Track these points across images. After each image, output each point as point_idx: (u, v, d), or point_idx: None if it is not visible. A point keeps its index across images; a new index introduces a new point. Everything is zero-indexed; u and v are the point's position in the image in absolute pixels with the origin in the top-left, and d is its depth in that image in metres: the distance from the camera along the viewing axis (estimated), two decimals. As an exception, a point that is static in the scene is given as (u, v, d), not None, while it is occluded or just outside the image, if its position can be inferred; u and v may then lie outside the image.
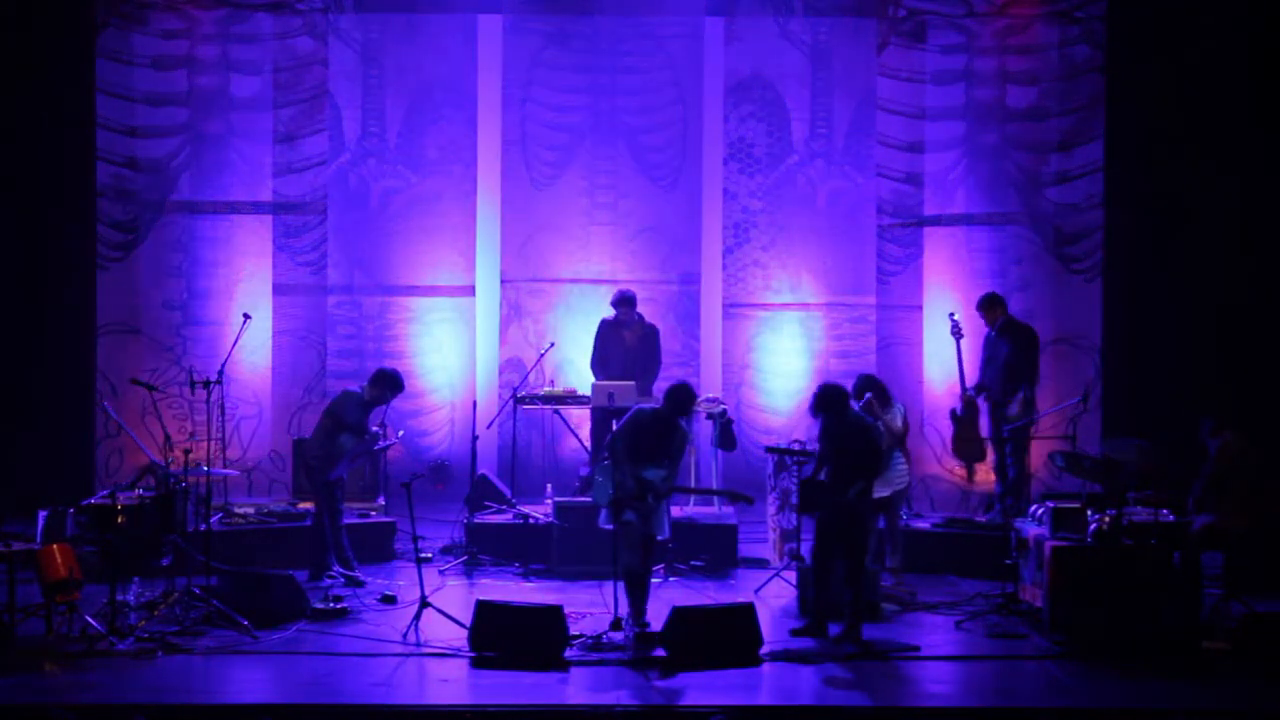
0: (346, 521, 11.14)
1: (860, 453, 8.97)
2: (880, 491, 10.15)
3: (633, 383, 11.44)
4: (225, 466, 11.26)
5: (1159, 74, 12.19)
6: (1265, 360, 11.93)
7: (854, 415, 9.18)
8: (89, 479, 12.34)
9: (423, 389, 13.16)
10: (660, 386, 10.99)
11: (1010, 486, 10.96)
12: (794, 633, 8.96)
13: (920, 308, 13.11)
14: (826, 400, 9.07)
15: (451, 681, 8.08)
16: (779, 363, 13.42)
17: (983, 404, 11.23)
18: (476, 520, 11.15)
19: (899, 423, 10.22)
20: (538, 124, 13.41)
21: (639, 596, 8.90)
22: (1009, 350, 11.06)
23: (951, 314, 11.47)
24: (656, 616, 8.80)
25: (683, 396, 9.13)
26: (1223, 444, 9.34)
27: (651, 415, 9.15)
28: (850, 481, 8.89)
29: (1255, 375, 11.91)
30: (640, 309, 13.02)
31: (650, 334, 11.92)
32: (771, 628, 8.90)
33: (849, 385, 9.84)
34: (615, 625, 8.75)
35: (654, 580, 10.38)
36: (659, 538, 9.15)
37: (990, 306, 11.26)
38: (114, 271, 12.83)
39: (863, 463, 8.97)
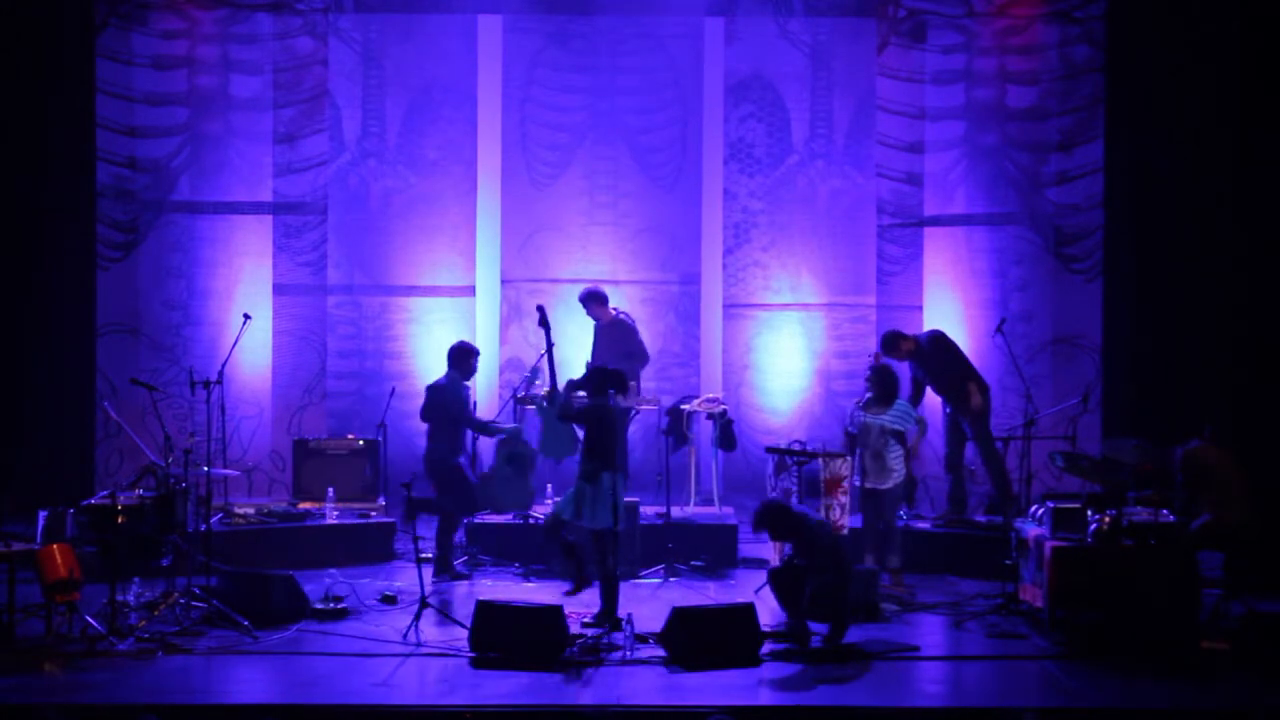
0: (347, 521, 11.18)
1: (816, 553, 8.75)
2: (880, 484, 10.19)
3: (635, 383, 11.46)
4: (225, 466, 11.26)
5: (1159, 74, 12.19)
6: (1266, 360, 11.92)
7: (799, 521, 8.89)
8: (89, 479, 12.34)
9: (422, 389, 13.14)
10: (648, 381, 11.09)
11: (1001, 488, 11.00)
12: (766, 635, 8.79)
13: (920, 308, 13.12)
14: (771, 523, 8.89)
15: (451, 681, 8.08)
16: (779, 363, 13.42)
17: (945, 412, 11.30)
18: (476, 520, 11.15)
19: (896, 424, 10.25)
20: (538, 124, 13.42)
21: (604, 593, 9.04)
22: (932, 369, 11.07)
23: (872, 353, 11.37)
24: (657, 616, 8.81)
25: (586, 380, 9.36)
26: (1185, 453, 9.38)
27: None
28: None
29: (1256, 375, 11.89)
30: (640, 309, 13.08)
31: (614, 326, 11.88)
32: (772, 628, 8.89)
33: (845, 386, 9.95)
34: (615, 625, 8.75)
35: (654, 581, 10.47)
36: (592, 526, 9.10)
37: (893, 347, 11.05)
38: (114, 271, 12.84)
39: (818, 562, 8.73)
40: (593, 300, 11.90)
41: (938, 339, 11.27)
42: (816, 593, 8.60)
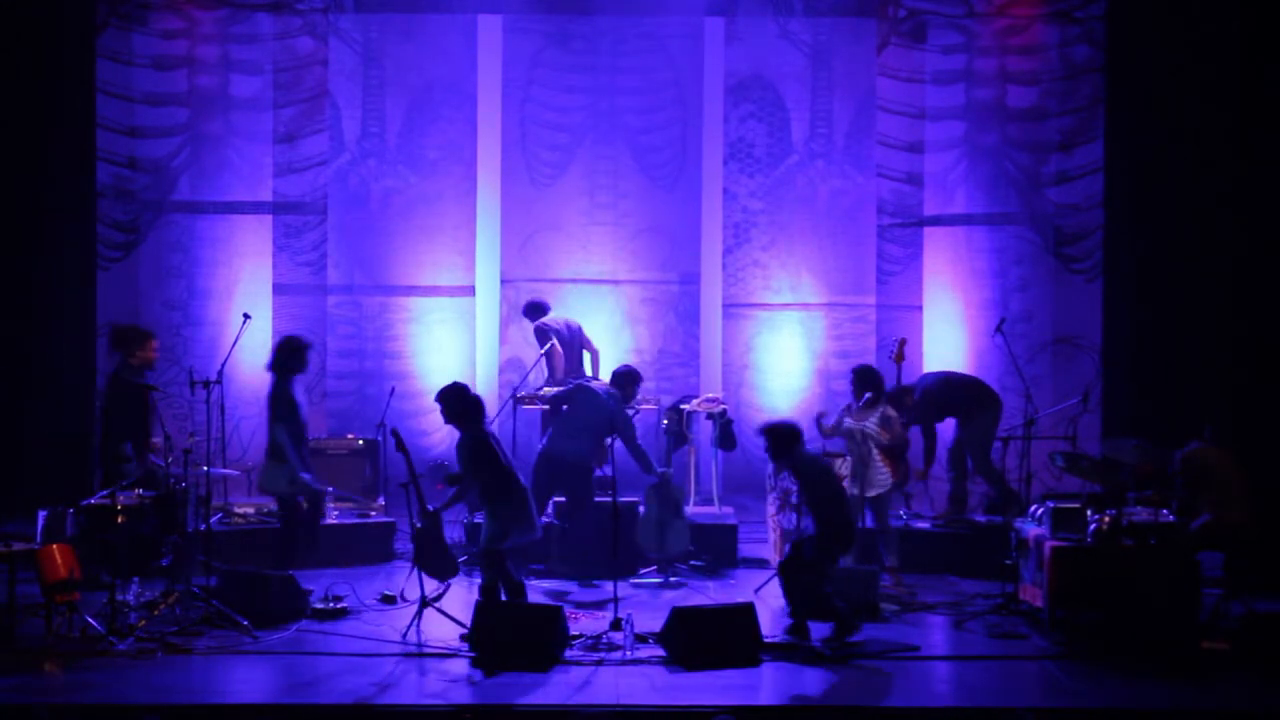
0: (347, 520, 11.18)
1: (824, 500, 8.87)
2: (865, 491, 10.15)
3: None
4: (225, 466, 11.25)
5: (1159, 74, 12.19)
6: (1266, 360, 11.93)
7: (802, 456, 9.05)
8: (89, 479, 12.32)
9: (422, 389, 13.15)
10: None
11: (1003, 495, 11.01)
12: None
13: (920, 308, 13.13)
14: (782, 442, 9.00)
15: (451, 681, 8.08)
16: (779, 363, 13.43)
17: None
18: (476, 520, 11.14)
19: (874, 427, 10.20)
20: (538, 124, 13.42)
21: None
22: (935, 410, 11.19)
23: (901, 339, 11.32)
24: (657, 616, 8.82)
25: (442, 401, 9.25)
26: (1185, 455, 9.39)
27: None
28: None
29: (1256, 375, 11.90)
30: (640, 309, 13.13)
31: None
32: (771, 628, 8.89)
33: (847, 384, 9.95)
34: (615, 625, 8.75)
35: (654, 580, 10.47)
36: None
37: (899, 404, 10.78)
38: (114, 271, 12.83)
39: (825, 512, 8.85)
40: (527, 312, 12.19)
41: (927, 389, 11.19)
42: (817, 556, 8.71)
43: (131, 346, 10.36)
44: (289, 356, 10.13)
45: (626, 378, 10.86)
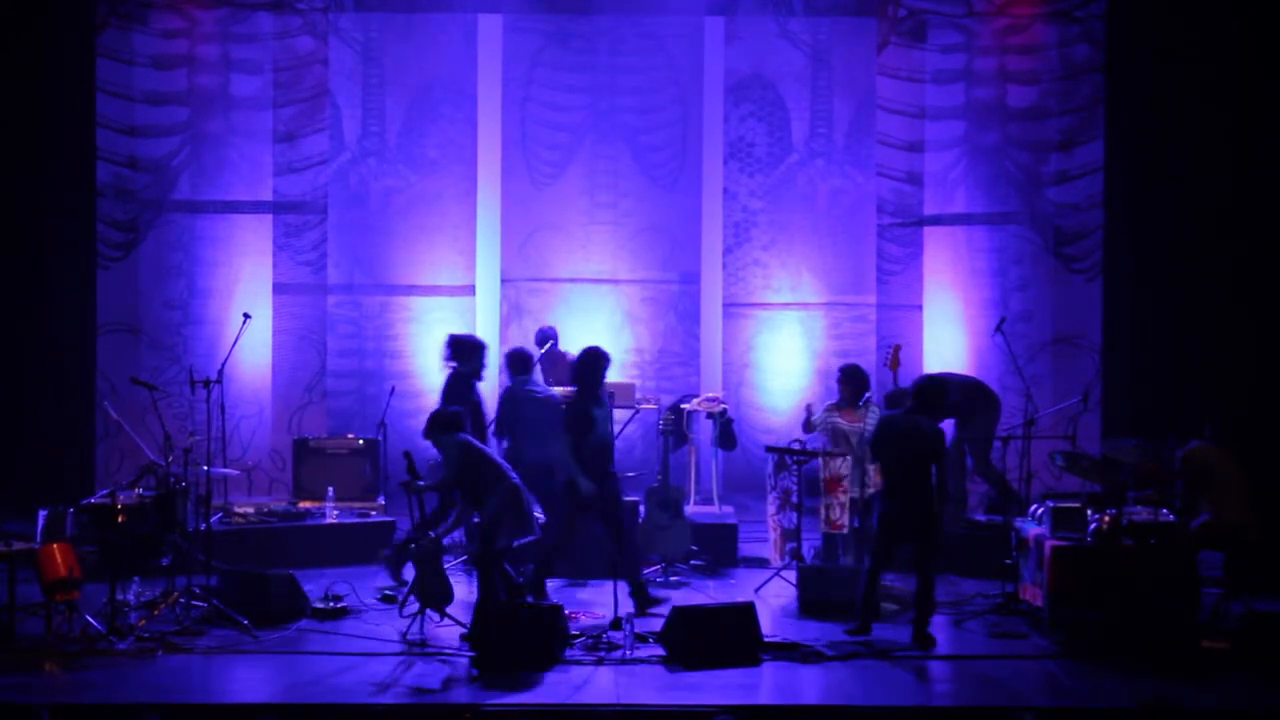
0: (346, 520, 11.17)
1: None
2: (854, 493, 10.14)
3: (634, 383, 11.50)
4: (225, 466, 11.26)
5: (1159, 74, 12.20)
6: (1266, 360, 11.93)
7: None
8: (89, 479, 12.34)
9: (422, 389, 13.15)
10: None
11: (1004, 496, 11.02)
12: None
13: (920, 307, 13.13)
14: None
15: (451, 681, 8.08)
16: (779, 362, 13.43)
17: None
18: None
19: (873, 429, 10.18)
20: (538, 124, 13.42)
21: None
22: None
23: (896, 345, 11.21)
24: (657, 616, 8.82)
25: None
26: (1185, 454, 9.39)
27: None
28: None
29: (1256, 375, 11.90)
30: (640, 308, 13.10)
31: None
32: (772, 627, 8.90)
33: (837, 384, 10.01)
34: (615, 625, 8.75)
35: (656, 579, 10.47)
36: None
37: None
38: (114, 271, 12.84)
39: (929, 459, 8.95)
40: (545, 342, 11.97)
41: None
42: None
43: (459, 355, 10.59)
44: (588, 370, 10.11)
45: (522, 359, 10.80)
